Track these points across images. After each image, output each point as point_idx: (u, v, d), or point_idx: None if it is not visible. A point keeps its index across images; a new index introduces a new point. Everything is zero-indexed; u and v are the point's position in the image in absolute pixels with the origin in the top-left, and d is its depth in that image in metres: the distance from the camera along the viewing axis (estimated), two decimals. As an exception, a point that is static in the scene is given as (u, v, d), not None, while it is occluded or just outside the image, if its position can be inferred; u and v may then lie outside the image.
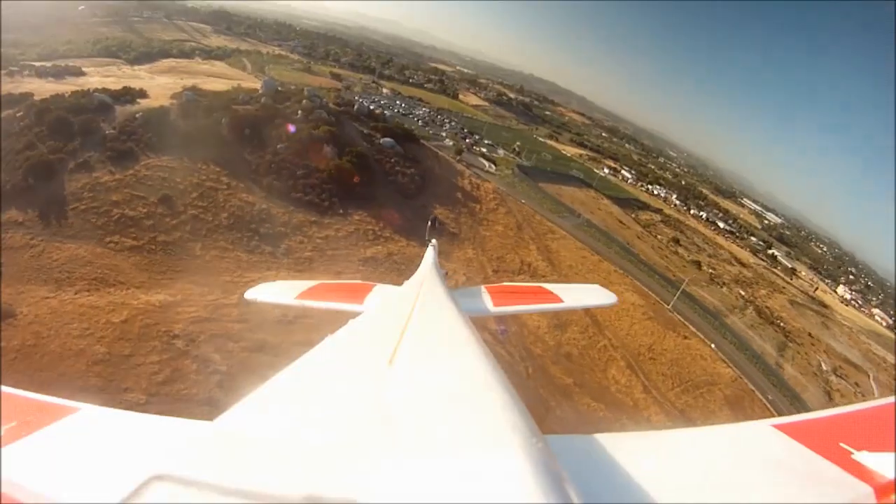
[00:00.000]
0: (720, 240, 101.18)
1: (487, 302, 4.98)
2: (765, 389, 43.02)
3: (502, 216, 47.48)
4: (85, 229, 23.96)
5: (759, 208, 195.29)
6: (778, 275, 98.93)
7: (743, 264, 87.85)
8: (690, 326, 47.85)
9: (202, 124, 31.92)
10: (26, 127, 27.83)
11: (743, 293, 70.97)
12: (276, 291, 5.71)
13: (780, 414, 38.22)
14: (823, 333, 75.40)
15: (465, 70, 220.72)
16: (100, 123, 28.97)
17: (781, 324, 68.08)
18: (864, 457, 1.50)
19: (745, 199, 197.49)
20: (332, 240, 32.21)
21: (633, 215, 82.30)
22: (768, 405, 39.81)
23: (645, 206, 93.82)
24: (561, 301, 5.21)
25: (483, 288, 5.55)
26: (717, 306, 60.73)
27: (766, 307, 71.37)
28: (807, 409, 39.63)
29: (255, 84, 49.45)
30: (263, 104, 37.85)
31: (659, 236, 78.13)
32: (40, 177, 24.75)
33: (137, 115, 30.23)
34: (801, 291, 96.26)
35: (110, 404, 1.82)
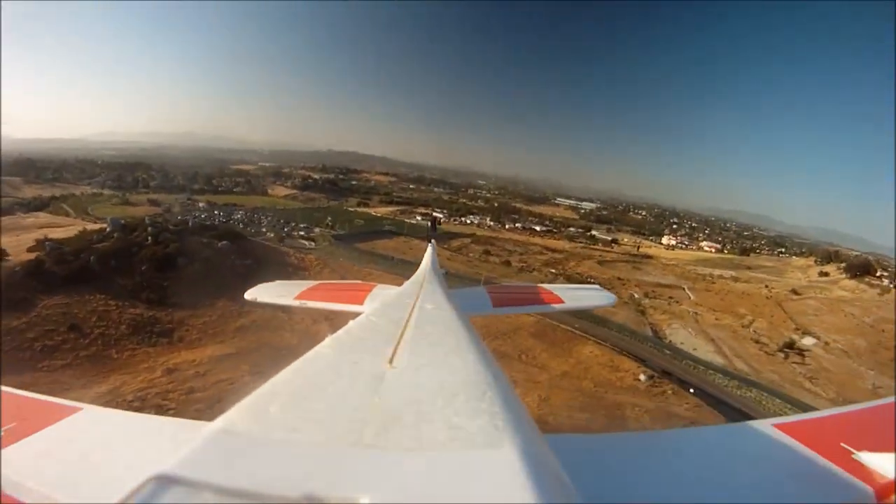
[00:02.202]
0: (536, 239, 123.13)
1: (487, 302, 5.39)
2: (570, 322, 53.21)
3: (327, 274, 61.67)
4: (17, 364, 32.68)
5: (572, 202, 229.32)
6: (597, 249, 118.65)
7: (555, 251, 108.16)
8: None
9: (74, 265, 41.15)
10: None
11: (553, 270, 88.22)
12: (276, 292, 6.09)
13: (582, 327, 55.50)
14: (633, 274, 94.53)
15: (267, 164, 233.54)
16: (-19, 282, 37.09)
17: (591, 280, 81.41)
18: (865, 457, 1.60)
19: (558, 199, 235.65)
20: (209, 323, 43.76)
21: (444, 246, 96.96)
22: (573, 330, 52.39)
23: (456, 236, 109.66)
24: (561, 301, 5.65)
25: (483, 288, 6.09)
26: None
27: (577, 273, 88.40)
28: (617, 327, 57.79)
29: (90, 225, 58.47)
30: (117, 238, 47.96)
31: (470, 254, 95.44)
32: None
33: (16, 269, 38.95)
34: (624, 254, 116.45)
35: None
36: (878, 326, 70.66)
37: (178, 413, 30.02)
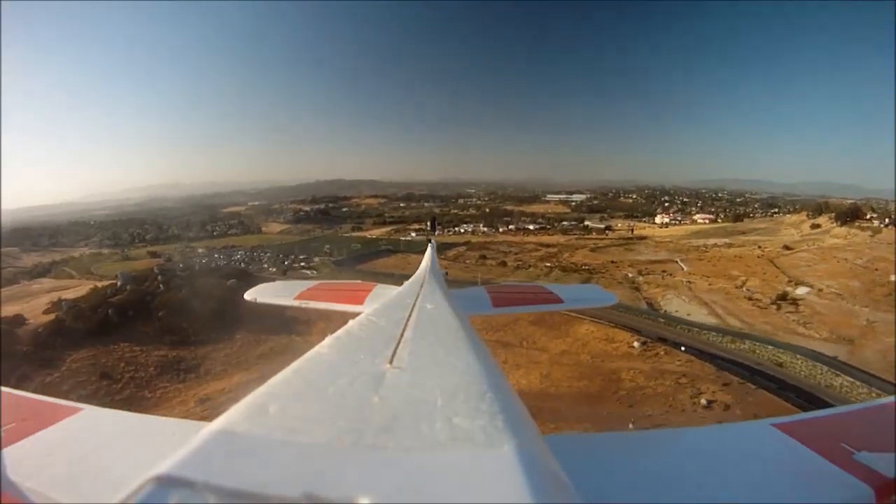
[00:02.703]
0: (530, 238, 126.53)
1: (487, 303, 5.40)
2: (567, 308, 60.84)
3: (334, 298, 65.86)
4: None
5: (563, 196, 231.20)
6: (591, 238, 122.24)
7: (549, 246, 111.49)
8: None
9: (94, 320, 44.62)
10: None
11: (548, 264, 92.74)
12: (276, 292, 6.17)
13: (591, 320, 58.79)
14: (626, 255, 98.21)
15: (257, 203, 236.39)
16: (13, 347, 40.59)
17: (585, 267, 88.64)
18: (864, 457, 1.61)
19: (548, 196, 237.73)
20: (231, 355, 47.21)
21: (441, 256, 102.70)
22: (569, 313, 53.28)
23: (452, 246, 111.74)
24: (561, 301, 5.69)
25: (482, 288, 6.11)
26: (524, 281, 76.35)
27: (571, 263, 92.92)
28: (617, 306, 60.03)
29: (98, 283, 62.41)
30: (130, 290, 51.68)
31: (467, 261, 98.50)
32: None
33: (40, 330, 42.46)
34: (617, 238, 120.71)
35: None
36: (872, 266, 73.08)
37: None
